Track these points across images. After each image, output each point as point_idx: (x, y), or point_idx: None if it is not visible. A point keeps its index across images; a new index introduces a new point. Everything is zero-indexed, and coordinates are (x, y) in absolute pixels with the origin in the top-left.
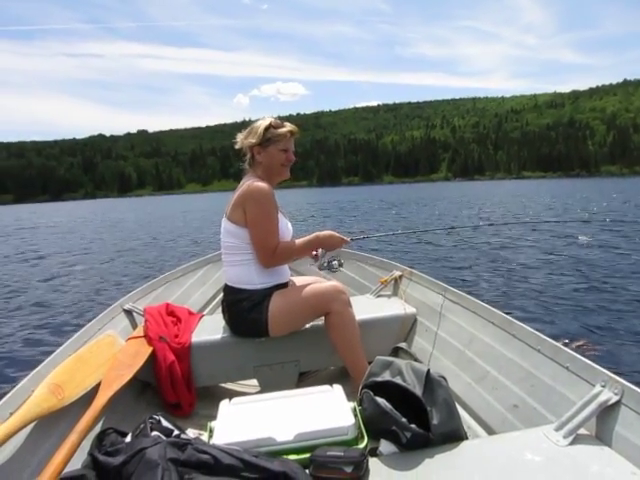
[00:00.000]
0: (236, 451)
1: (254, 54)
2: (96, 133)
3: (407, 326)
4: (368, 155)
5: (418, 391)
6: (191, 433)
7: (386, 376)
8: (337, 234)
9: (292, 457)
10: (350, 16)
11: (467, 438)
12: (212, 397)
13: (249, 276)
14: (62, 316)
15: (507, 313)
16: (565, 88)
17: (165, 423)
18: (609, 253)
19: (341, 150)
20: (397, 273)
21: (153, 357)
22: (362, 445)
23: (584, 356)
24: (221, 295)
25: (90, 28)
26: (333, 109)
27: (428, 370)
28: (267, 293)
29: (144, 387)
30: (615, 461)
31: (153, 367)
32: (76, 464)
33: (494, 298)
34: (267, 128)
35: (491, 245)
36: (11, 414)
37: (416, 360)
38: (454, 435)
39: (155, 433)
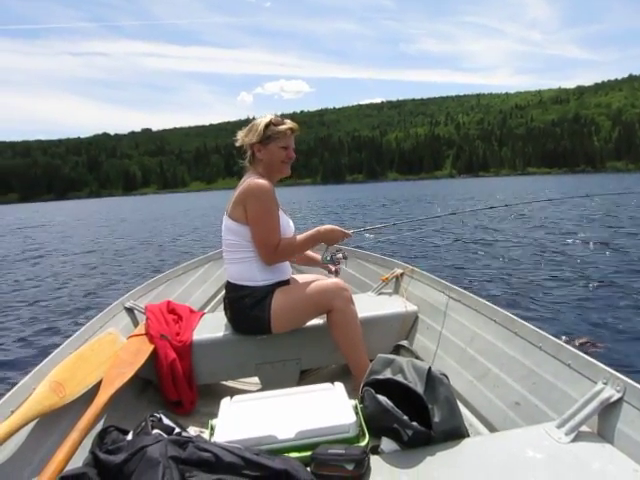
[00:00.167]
0: (237, 449)
1: (257, 52)
2: (100, 132)
3: (408, 324)
4: (372, 152)
5: (419, 389)
6: (192, 431)
7: (387, 374)
8: (338, 228)
9: (293, 455)
10: (353, 13)
11: (469, 436)
12: (213, 395)
13: (251, 273)
14: (63, 314)
15: (509, 311)
16: (570, 84)
17: (166, 421)
18: (611, 250)
19: (345, 147)
20: (398, 271)
21: (154, 355)
22: (363, 443)
23: (586, 354)
24: (222, 293)
25: (94, 27)
26: (337, 106)
27: (429, 368)
28: (269, 290)
29: (145, 385)
30: (617, 458)
31: (154, 365)
32: (77, 462)
33: (496, 295)
34: (267, 125)
35: (492, 242)
36: (12, 412)
37: (417, 358)
38: (455, 433)
39: (156, 431)
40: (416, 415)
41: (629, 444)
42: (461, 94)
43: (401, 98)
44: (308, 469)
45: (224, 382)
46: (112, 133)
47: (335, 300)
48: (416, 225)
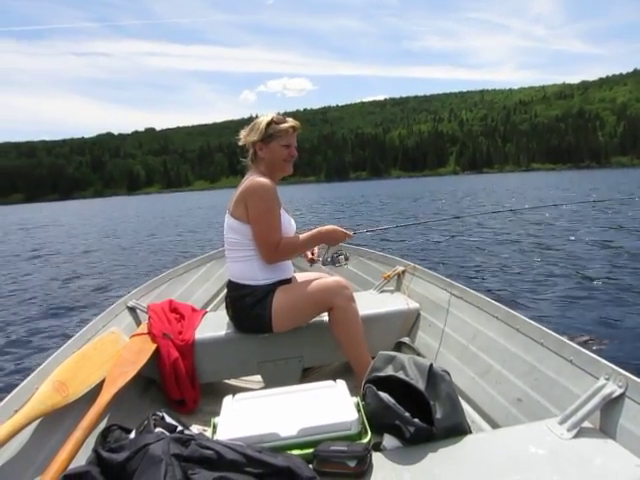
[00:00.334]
0: (239, 446)
1: (260, 50)
2: (104, 132)
3: (410, 321)
4: (376, 150)
5: (421, 385)
6: (195, 429)
7: (389, 371)
8: (340, 228)
9: (295, 452)
10: (356, 10)
11: (471, 432)
12: (216, 393)
13: (252, 272)
14: (66, 314)
15: (511, 308)
16: (574, 79)
17: (168, 419)
18: (614, 247)
19: (348, 145)
20: (400, 268)
21: (157, 354)
22: (365, 440)
23: (589, 350)
24: (224, 292)
25: (97, 27)
26: (340, 104)
27: (431, 364)
28: (270, 289)
29: (148, 384)
30: (619, 454)
31: (157, 364)
32: (81, 461)
33: (498, 292)
34: (269, 124)
35: (493, 239)
36: (16, 411)
37: (419, 355)
38: (457, 429)
39: (159, 429)
40: (418, 412)
41: (631, 440)
42: (464, 90)
43: (404, 95)
44: (310, 466)
45: (227, 381)
46: (116, 133)
47: (336, 298)
48: (418, 227)
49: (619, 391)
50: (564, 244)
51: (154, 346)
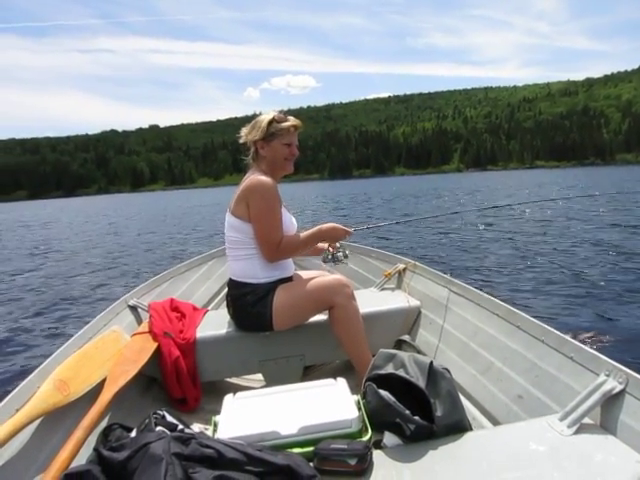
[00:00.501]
0: (240, 445)
1: (264, 47)
2: (108, 128)
3: (411, 319)
4: (379, 147)
5: (421, 383)
6: (197, 428)
7: (389, 369)
8: (340, 226)
9: (296, 450)
10: (360, 7)
11: (471, 429)
12: (218, 392)
13: (253, 270)
14: (67, 312)
15: (512, 305)
16: (579, 76)
17: (169, 418)
18: (616, 245)
19: (352, 142)
20: (401, 266)
21: (158, 353)
22: (366, 438)
23: (589, 346)
24: (226, 290)
25: (101, 23)
26: (344, 101)
27: (431, 362)
28: (271, 287)
29: (150, 382)
30: (620, 450)
31: (158, 362)
32: (82, 459)
33: (499, 289)
34: (270, 122)
35: (494, 237)
36: (17, 410)
37: (420, 352)
38: (458, 426)
39: (159, 428)
40: (418, 409)
41: (632, 435)
42: (469, 87)
43: (408, 92)
44: (311, 464)
45: (228, 379)
46: (120, 130)
47: (337, 296)
48: (419, 223)
49: (619, 387)
50: (564, 241)
51: (155, 345)
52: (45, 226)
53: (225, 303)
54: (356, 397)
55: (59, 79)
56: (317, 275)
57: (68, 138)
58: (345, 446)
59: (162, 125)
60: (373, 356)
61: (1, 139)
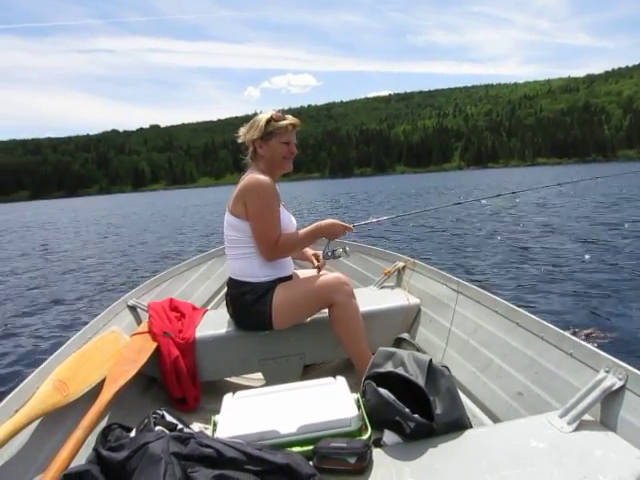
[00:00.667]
0: (239, 444)
1: (264, 46)
2: (109, 128)
3: (411, 317)
4: (380, 145)
5: (421, 381)
6: (196, 427)
7: (389, 367)
8: (339, 222)
9: (296, 449)
10: (360, 5)
11: (471, 427)
12: (217, 391)
13: (252, 269)
14: (66, 313)
15: (511, 302)
16: (580, 72)
17: (169, 418)
18: (615, 239)
19: (353, 141)
20: (400, 264)
21: (158, 352)
22: (366, 436)
23: (588, 343)
24: (225, 290)
25: (101, 23)
26: (344, 100)
27: (430, 360)
28: (270, 286)
29: (149, 382)
30: (620, 446)
31: (158, 362)
32: (82, 459)
33: (498, 287)
34: (268, 121)
35: (495, 234)
36: (16, 411)
37: (419, 350)
38: (458, 424)
39: (159, 428)
40: (418, 407)
41: (632, 432)
42: (469, 85)
43: (408, 90)
44: (310, 463)
45: (228, 378)
46: (121, 130)
47: (336, 295)
48: (419, 217)
49: (619, 383)
50: (565, 239)
51: (155, 345)
52: (45, 226)
53: (225, 302)
54: (356, 395)
55: (60, 79)
56: (316, 274)
57: (69, 138)
58: (345, 445)
59: (163, 125)
60: (373, 354)
61: (2, 140)
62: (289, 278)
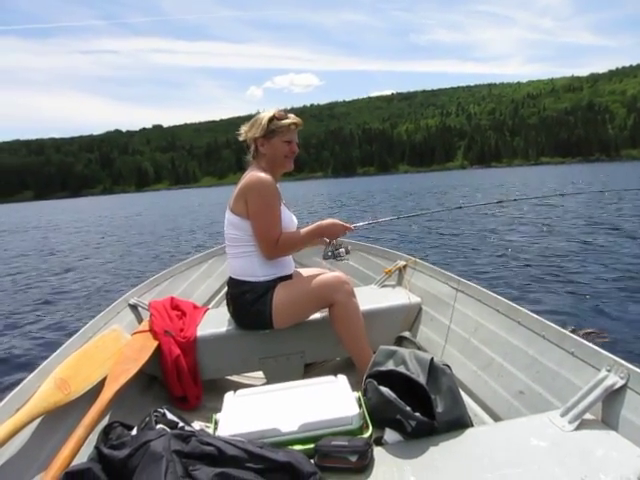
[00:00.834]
0: (240, 442)
1: (266, 46)
2: (112, 129)
3: (412, 316)
4: (383, 145)
5: (422, 379)
6: (197, 426)
7: (390, 365)
8: (340, 222)
9: (297, 447)
10: (362, 4)
11: (472, 425)
12: (219, 390)
13: (252, 268)
14: (68, 312)
15: (513, 301)
16: (583, 71)
17: (170, 416)
18: (618, 239)
19: (356, 140)
20: (401, 263)
21: (159, 351)
22: (367, 434)
23: (590, 342)
24: (226, 288)
25: (104, 24)
26: (347, 99)
27: (432, 358)
28: (271, 285)
29: (151, 381)
30: (621, 445)
31: (159, 361)
32: (83, 458)
33: (499, 286)
34: (270, 120)
35: (496, 233)
36: (18, 409)
37: (421, 349)
38: (459, 422)
39: (160, 426)
40: (419, 406)
41: (633, 430)
42: (472, 84)
43: (411, 89)
44: (312, 461)
45: (229, 377)
46: (124, 130)
47: (336, 294)
48: (420, 222)
49: (621, 382)
50: (565, 237)
51: (156, 343)
52: (47, 226)
53: (225, 301)
54: (357, 394)
55: (63, 80)
56: (317, 273)
57: (72, 139)
58: (346, 443)
59: (165, 125)
60: (374, 353)
61: (6, 140)
62: (289, 277)
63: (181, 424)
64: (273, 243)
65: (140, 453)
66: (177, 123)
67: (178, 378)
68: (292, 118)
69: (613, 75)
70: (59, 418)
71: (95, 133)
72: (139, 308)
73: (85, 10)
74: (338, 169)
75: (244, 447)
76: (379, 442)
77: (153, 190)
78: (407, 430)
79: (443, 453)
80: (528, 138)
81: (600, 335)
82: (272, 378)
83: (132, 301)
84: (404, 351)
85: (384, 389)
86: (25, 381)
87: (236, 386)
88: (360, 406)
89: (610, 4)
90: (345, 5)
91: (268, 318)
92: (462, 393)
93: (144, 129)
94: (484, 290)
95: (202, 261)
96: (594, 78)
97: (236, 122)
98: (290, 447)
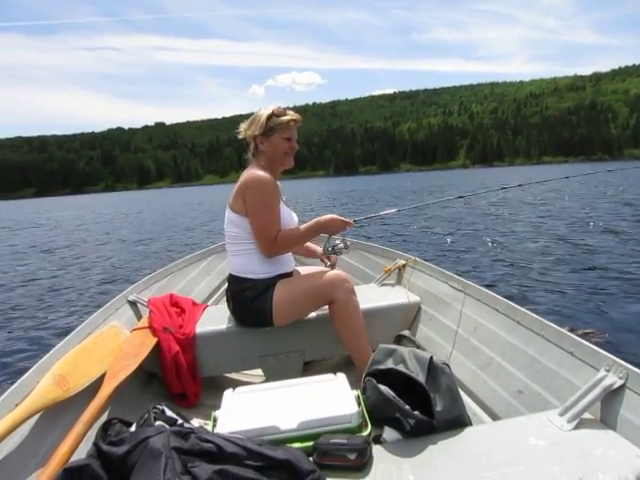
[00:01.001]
0: (239, 439)
1: (268, 44)
2: (114, 126)
3: (411, 314)
4: (385, 143)
5: (421, 378)
6: (196, 423)
7: (389, 364)
8: (339, 217)
9: (296, 445)
10: (364, 3)
11: (471, 424)
12: (218, 387)
13: (252, 266)
14: (67, 308)
15: (512, 300)
16: (586, 70)
17: (169, 413)
18: (618, 238)
19: (358, 139)
20: (401, 262)
21: (158, 348)
22: (366, 432)
23: (589, 341)
24: (225, 286)
25: (107, 21)
26: (349, 98)
27: (431, 357)
28: (271, 282)
29: (150, 378)
30: (620, 444)
31: (158, 358)
32: (82, 454)
33: (499, 285)
34: (270, 117)
35: (496, 232)
36: (17, 405)
37: (420, 348)
38: (458, 421)
39: (159, 423)
40: (418, 404)
41: (632, 430)
42: (474, 83)
43: (414, 88)
44: (310, 459)
45: (228, 374)
46: (126, 127)
47: (337, 291)
48: (419, 216)
49: (619, 382)
50: (565, 236)
51: (155, 340)
52: (48, 223)
53: (225, 298)
54: (356, 392)
55: (65, 77)
56: (317, 270)
57: (74, 136)
58: (345, 441)
59: (168, 122)
60: (373, 351)
61: (8, 137)
62: (289, 275)
63: (180, 421)
64: (271, 240)
65: (139, 450)
66: (179, 121)
67: (177, 375)
68: (291, 114)
69: (616, 74)
70: (58, 414)
71: (97, 130)
72: (138, 305)
73: (88, 7)
74: (340, 168)
75: (243, 444)
76: (378, 440)
77: (155, 188)
78: (406, 428)
79: (442, 452)
80: (530, 137)
81: (599, 335)
82: (271, 376)
83: (131, 298)
84: (404, 350)
85: (383, 387)
86: (24, 377)
87: (235, 383)
88: (359, 404)
89: (613, 3)
90: (347, 4)
91: (268, 315)
92: (461, 392)
93: (146, 126)
94: (484, 290)
95: (202, 258)
96: (597, 77)
97: (238, 120)
98: (289, 445)
